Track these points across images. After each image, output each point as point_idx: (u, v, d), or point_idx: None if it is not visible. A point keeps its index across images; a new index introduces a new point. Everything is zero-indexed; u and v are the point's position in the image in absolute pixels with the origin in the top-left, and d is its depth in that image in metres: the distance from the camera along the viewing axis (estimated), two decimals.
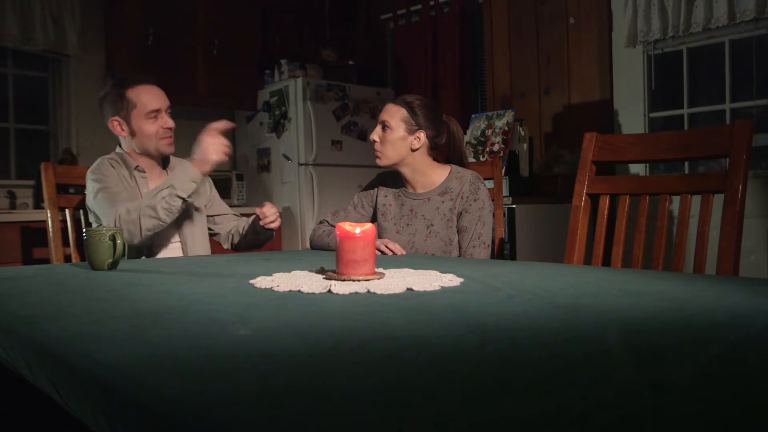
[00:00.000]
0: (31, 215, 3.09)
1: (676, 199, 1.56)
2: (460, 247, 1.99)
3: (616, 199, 1.65)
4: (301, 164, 4.04)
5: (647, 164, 3.20)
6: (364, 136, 4.30)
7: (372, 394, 0.51)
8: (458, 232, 2.00)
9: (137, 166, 2.05)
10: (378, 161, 2.03)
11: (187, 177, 1.84)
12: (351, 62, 4.49)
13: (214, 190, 2.26)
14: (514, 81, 4.01)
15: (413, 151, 2.00)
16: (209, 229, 2.20)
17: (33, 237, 2.97)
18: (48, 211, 2.16)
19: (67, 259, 2.21)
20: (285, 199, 4.14)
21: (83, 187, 2.93)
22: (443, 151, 2.10)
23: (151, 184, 2.07)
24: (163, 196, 1.82)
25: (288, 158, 4.10)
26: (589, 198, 1.67)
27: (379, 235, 2.06)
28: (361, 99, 4.31)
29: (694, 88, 3.37)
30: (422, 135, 2.00)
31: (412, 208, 2.06)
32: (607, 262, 1.61)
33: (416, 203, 2.06)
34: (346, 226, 1.23)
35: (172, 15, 3.94)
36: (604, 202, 1.65)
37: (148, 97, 2.00)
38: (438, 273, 1.28)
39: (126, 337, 0.73)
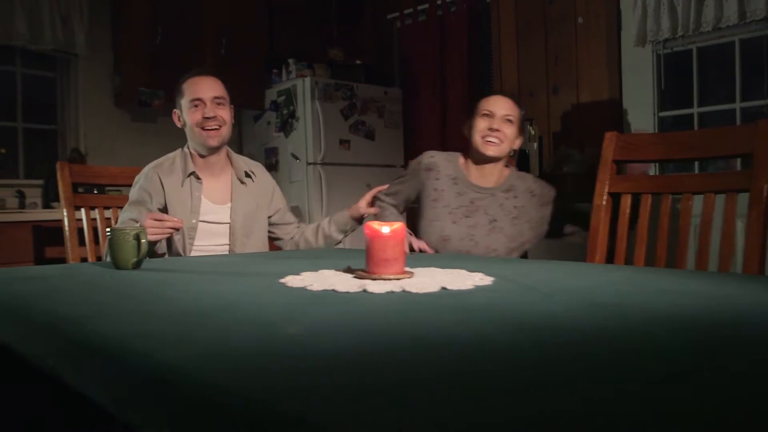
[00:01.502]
0: (41, 215, 3.09)
1: (698, 198, 1.56)
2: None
3: (637, 199, 1.65)
4: (309, 163, 4.04)
5: (656, 164, 3.21)
6: (371, 135, 4.30)
7: (430, 390, 0.51)
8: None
9: (193, 172, 2.01)
10: (493, 150, 1.98)
11: None
12: (358, 62, 4.50)
13: (283, 200, 2.25)
14: (522, 80, 4.01)
15: (513, 150, 2.04)
16: (272, 233, 2.20)
17: (44, 236, 2.97)
18: (64, 210, 2.15)
19: (84, 259, 2.21)
20: (293, 199, 4.14)
21: (95, 186, 2.94)
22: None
23: (210, 179, 2.04)
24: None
25: (296, 157, 4.10)
26: (610, 197, 1.67)
27: (429, 223, 2.04)
28: (369, 98, 4.31)
29: (704, 87, 3.37)
30: (519, 141, 2.04)
31: (473, 200, 2.02)
32: (629, 261, 1.61)
33: (479, 197, 2.02)
34: (375, 225, 1.23)
35: (180, 15, 3.95)
36: (626, 202, 1.65)
37: (194, 87, 2.00)
38: (466, 272, 1.28)
39: (179, 337, 0.73)
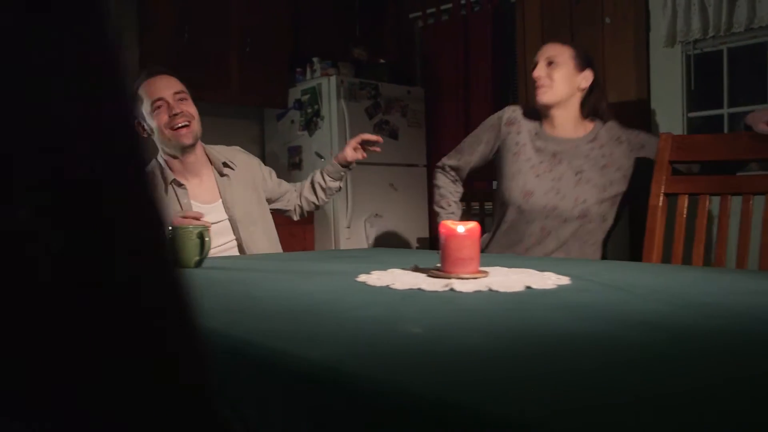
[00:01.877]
0: None
1: (759, 199, 1.57)
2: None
3: (695, 199, 1.66)
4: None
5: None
6: (395, 134, 4.31)
7: (598, 384, 0.52)
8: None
9: (174, 179, 1.94)
10: (543, 96, 1.94)
11: None
12: (382, 60, 4.50)
13: (271, 174, 2.21)
14: None
15: (579, 90, 1.96)
16: (276, 208, 2.18)
17: None
18: None
19: None
20: None
21: None
22: (589, 105, 2.02)
23: (192, 180, 1.98)
24: None
25: (321, 156, 4.10)
26: (666, 198, 1.68)
27: (511, 177, 2.00)
28: (393, 97, 4.32)
29: (734, 87, 3.37)
30: (590, 74, 1.96)
31: (555, 153, 1.97)
32: (687, 262, 1.62)
33: (562, 149, 1.97)
34: (450, 224, 1.24)
35: (206, 13, 3.96)
36: (683, 202, 1.66)
37: (151, 88, 1.88)
38: (536, 271, 1.29)
39: (309, 335, 0.73)
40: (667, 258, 1.65)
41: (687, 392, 0.51)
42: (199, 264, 1.54)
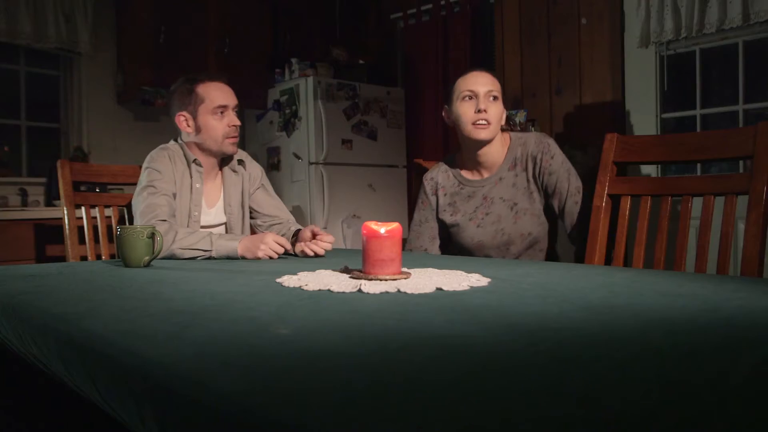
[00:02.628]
0: (43, 212, 3.10)
1: (697, 200, 1.56)
2: (561, 209, 1.85)
3: (637, 200, 1.65)
4: (311, 163, 4.05)
5: (658, 165, 3.20)
6: (374, 135, 4.30)
7: (428, 393, 0.51)
8: (551, 195, 1.86)
9: (195, 159, 1.99)
10: (484, 132, 1.85)
11: (227, 251, 1.73)
12: (361, 61, 4.50)
13: (259, 195, 2.15)
14: (525, 81, 4.00)
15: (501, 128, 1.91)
16: (258, 226, 2.14)
17: (46, 234, 2.98)
18: (64, 208, 2.16)
19: (84, 257, 2.21)
20: (295, 198, 4.14)
21: (96, 184, 2.94)
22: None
23: (207, 183, 2.02)
24: (197, 254, 1.73)
25: (298, 157, 4.10)
26: (610, 199, 1.67)
27: (457, 233, 1.96)
28: (372, 98, 4.31)
29: (707, 89, 3.36)
30: (505, 114, 1.92)
31: (485, 196, 1.92)
32: (627, 263, 1.61)
33: (488, 188, 1.92)
34: (372, 225, 1.23)
35: (184, 14, 3.95)
36: (626, 203, 1.65)
37: (218, 93, 1.96)
38: (464, 273, 1.28)
39: (168, 336, 0.72)
40: (609, 260, 1.64)
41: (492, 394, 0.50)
42: (149, 263, 1.53)
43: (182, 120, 1.98)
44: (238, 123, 1.99)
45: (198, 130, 1.97)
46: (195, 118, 1.97)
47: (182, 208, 1.95)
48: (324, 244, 1.78)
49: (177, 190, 1.95)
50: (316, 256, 1.77)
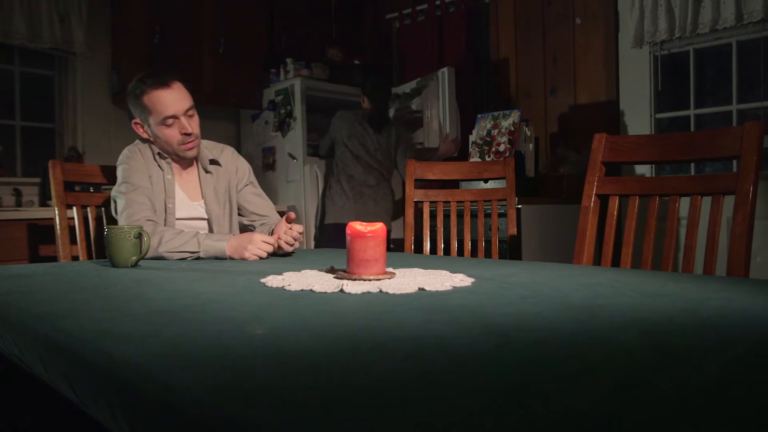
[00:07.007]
0: (37, 213, 3.09)
1: (685, 200, 1.56)
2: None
3: (626, 200, 1.65)
4: (306, 163, 4.04)
5: (653, 165, 3.20)
6: None
7: (395, 393, 0.51)
8: None
9: (159, 152, 1.97)
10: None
11: (215, 252, 1.73)
12: (356, 61, 4.49)
13: (247, 192, 2.13)
14: (520, 81, 4.01)
15: None
16: (247, 226, 2.13)
17: (40, 235, 2.98)
18: (56, 208, 2.16)
19: (75, 257, 2.21)
20: (290, 198, 4.14)
21: (90, 184, 2.94)
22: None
23: (179, 174, 2.00)
24: (186, 256, 1.73)
25: (293, 157, 4.10)
26: (598, 199, 1.67)
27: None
28: None
29: (701, 89, 3.36)
30: None
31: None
32: (616, 263, 1.61)
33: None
34: (358, 225, 1.23)
35: (179, 14, 3.95)
36: (614, 203, 1.65)
37: (164, 104, 1.88)
38: (448, 273, 1.28)
39: (144, 336, 0.72)
40: (597, 260, 1.64)
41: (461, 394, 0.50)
42: (136, 264, 1.53)
43: (138, 126, 1.98)
44: (190, 130, 1.91)
45: (154, 137, 1.95)
46: (149, 127, 1.94)
47: (157, 202, 1.93)
48: (287, 237, 1.78)
49: (151, 184, 1.93)
50: (286, 254, 1.80)
